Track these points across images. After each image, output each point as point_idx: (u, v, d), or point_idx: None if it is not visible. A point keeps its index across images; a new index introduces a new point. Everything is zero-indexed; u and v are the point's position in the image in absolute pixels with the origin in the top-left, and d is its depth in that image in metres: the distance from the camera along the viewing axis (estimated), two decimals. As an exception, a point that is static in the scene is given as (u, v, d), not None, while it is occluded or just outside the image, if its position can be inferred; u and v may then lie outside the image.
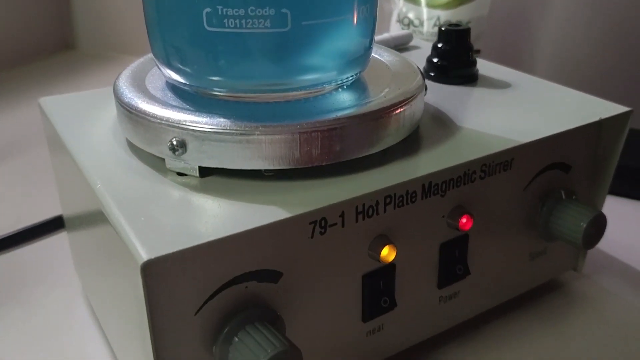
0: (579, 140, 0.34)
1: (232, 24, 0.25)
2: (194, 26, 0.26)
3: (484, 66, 0.41)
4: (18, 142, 0.61)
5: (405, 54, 0.45)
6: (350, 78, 0.29)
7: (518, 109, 0.35)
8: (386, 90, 0.29)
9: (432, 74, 0.39)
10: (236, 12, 0.25)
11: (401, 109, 0.28)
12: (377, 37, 0.44)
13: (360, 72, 0.30)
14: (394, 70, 0.32)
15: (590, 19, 0.59)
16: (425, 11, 0.58)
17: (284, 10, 0.25)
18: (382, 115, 0.27)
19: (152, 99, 0.28)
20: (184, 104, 0.27)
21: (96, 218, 0.26)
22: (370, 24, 0.29)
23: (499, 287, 0.35)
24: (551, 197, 0.34)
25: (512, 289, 0.36)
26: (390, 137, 0.28)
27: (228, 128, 0.25)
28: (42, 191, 0.50)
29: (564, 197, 0.34)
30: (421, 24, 0.58)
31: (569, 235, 0.33)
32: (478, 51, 0.59)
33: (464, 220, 0.30)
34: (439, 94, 0.37)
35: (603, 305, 0.38)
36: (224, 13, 0.25)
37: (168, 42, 0.27)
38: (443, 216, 0.30)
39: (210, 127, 0.25)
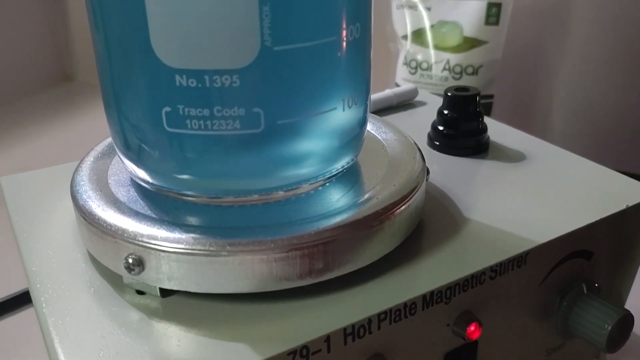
0: (603, 229, 0.30)
1: (195, 125, 0.21)
2: (154, 126, 0.22)
3: (495, 130, 0.37)
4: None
5: (410, 112, 0.41)
6: (340, 170, 0.26)
7: (533, 193, 0.31)
8: (377, 187, 0.25)
9: (438, 143, 0.35)
10: (200, 112, 0.21)
11: (397, 211, 0.24)
12: (378, 94, 0.40)
13: (349, 163, 0.26)
14: (391, 154, 0.28)
15: (606, 59, 0.55)
16: (433, 54, 0.54)
17: (255, 109, 0.21)
18: (373, 223, 0.23)
19: (110, 202, 0.24)
20: (146, 208, 0.24)
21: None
22: (362, 110, 0.25)
23: (512, 390, 0.31)
24: (571, 291, 0.30)
25: (527, 389, 0.32)
26: (384, 246, 0.24)
27: (190, 247, 0.21)
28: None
29: (585, 291, 0.30)
30: (429, 67, 0.54)
31: (591, 337, 0.29)
32: (491, 96, 0.55)
33: (471, 328, 0.27)
34: (445, 170, 0.33)
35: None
36: (186, 113, 0.21)
37: (127, 137, 0.24)
38: (448, 324, 0.26)
39: (169, 245, 0.21)
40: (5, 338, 0.39)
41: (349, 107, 0.24)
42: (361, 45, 0.23)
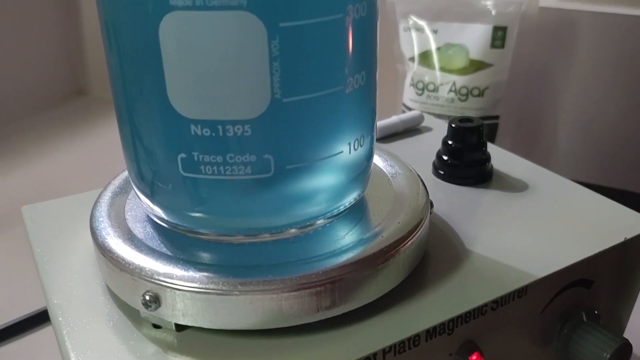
0: (603, 259, 0.31)
1: (209, 170, 0.23)
2: (170, 170, 0.23)
3: (498, 158, 0.38)
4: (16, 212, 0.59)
5: (417, 138, 0.42)
6: (348, 206, 0.27)
7: (534, 224, 0.32)
8: (382, 224, 0.26)
9: (442, 172, 0.36)
10: (213, 158, 0.22)
11: (402, 248, 0.25)
12: (385, 121, 0.42)
13: (357, 199, 0.27)
14: (396, 189, 0.29)
15: (611, 80, 0.56)
16: (439, 75, 0.55)
17: (266, 156, 0.22)
18: (377, 262, 0.24)
19: (127, 239, 0.25)
20: (162, 245, 0.25)
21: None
22: (367, 149, 0.26)
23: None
24: (571, 318, 0.31)
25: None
26: (389, 282, 0.25)
27: (204, 287, 0.23)
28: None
29: (585, 319, 0.31)
30: (436, 88, 0.55)
31: (591, 365, 0.30)
32: (497, 117, 0.56)
33: (473, 358, 0.28)
34: (450, 199, 0.34)
35: None
36: (201, 159, 0.22)
37: (144, 178, 0.25)
38: (450, 354, 0.27)
39: (184, 284, 0.23)
40: (24, 357, 0.40)
41: (355, 150, 0.25)
42: (367, 91, 0.24)
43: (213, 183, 0.23)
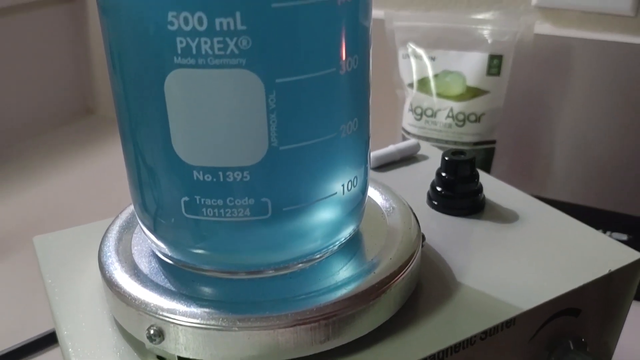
0: (590, 290, 0.32)
1: (210, 212, 0.24)
2: (173, 212, 0.25)
3: (490, 188, 0.39)
4: (26, 231, 0.61)
5: (413, 166, 0.44)
6: (343, 241, 0.28)
7: (523, 256, 0.33)
8: (375, 259, 0.28)
9: (436, 203, 0.37)
10: (214, 202, 0.24)
11: (393, 283, 0.27)
12: (382, 150, 0.43)
13: (352, 234, 0.29)
14: (389, 223, 0.31)
15: (606, 106, 0.57)
16: (437, 101, 0.57)
17: (264, 199, 0.24)
18: (370, 298, 0.26)
19: (134, 275, 0.27)
20: (166, 281, 0.27)
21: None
22: (361, 187, 0.28)
23: None
24: (559, 346, 0.32)
25: None
26: (381, 316, 0.27)
27: (205, 322, 0.24)
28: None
29: (572, 347, 0.32)
30: (434, 114, 0.57)
31: (577, 393, 0.32)
32: (493, 142, 0.57)
33: (463, 387, 0.29)
34: (443, 230, 0.35)
35: None
36: (202, 202, 0.24)
37: (148, 217, 0.26)
38: (440, 383, 0.29)
39: (186, 320, 0.24)
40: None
41: (349, 190, 0.26)
42: (359, 136, 0.26)
43: (214, 224, 0.24)
